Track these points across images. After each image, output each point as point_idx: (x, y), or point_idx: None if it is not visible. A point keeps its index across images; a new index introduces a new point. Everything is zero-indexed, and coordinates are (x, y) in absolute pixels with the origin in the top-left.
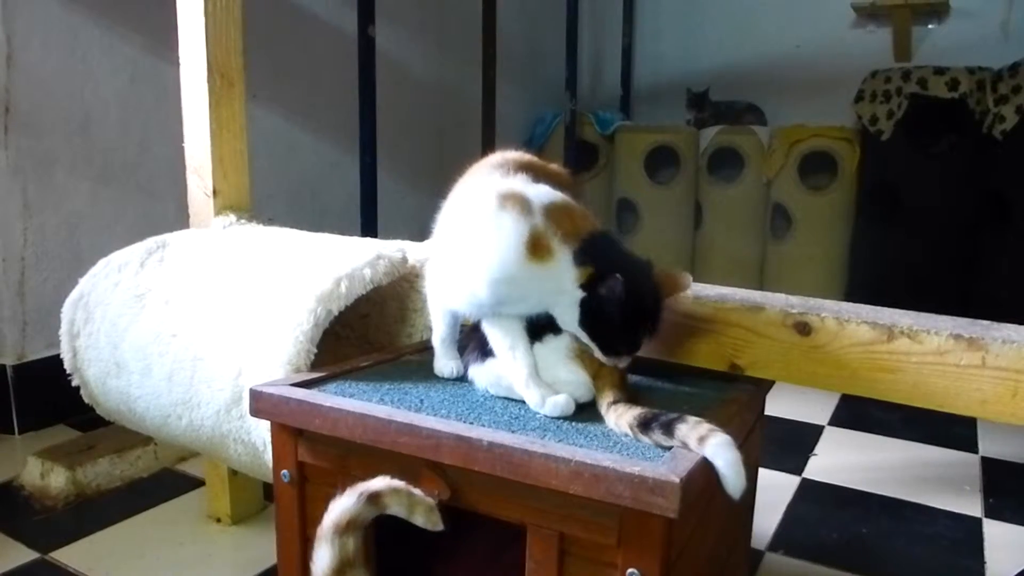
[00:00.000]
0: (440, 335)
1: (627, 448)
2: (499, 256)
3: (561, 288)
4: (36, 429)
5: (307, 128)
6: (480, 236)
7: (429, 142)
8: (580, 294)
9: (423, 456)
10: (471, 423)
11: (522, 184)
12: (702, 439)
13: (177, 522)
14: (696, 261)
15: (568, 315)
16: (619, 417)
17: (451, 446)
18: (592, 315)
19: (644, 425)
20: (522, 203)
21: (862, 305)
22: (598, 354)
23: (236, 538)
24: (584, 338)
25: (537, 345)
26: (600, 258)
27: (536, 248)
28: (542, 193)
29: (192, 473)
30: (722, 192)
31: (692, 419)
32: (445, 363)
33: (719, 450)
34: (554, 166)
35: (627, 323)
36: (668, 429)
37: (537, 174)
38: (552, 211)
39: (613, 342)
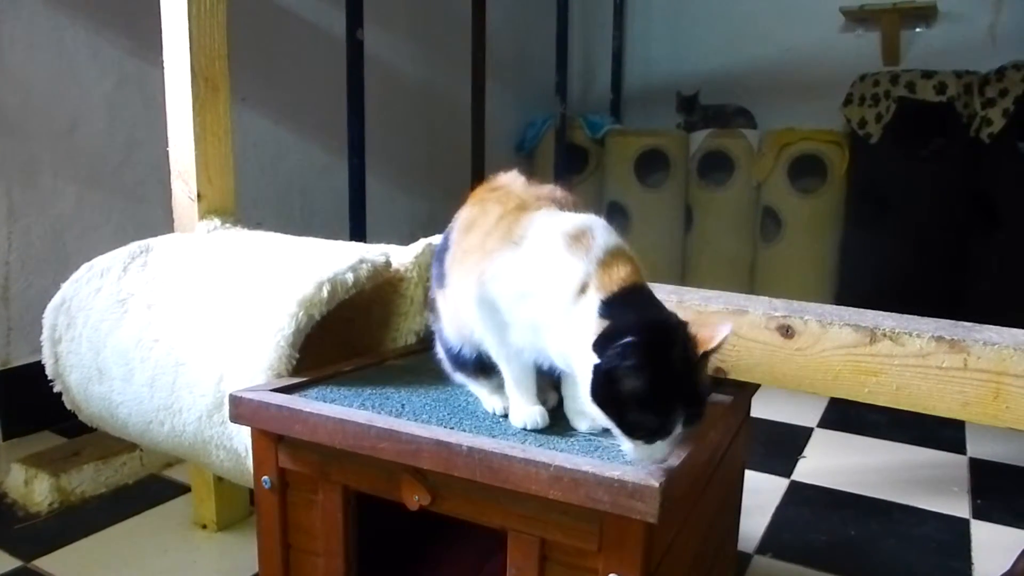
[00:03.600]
0: (513, 376)
1: (608, 452)
2: (550, 295)
3: (582, 343)
4: (20, 435)
5: (296, 131)
6: (539, 270)
7: (418, 145)
8: (592, 357)
9: (403, 462)
10: (452, 428)
11: (587, 222)
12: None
13: (162, 529)
14: (686, 264)
15: (582, 381)
16: None
17: (431, 451)
18: (602, 384)
19: None
20: (587, 245)
21: (845, 308)
22: (621, 439)
23: (222, 544)
24: (598, 415)
25: None
26: (620, 312)
27: (581, 293)
28: (607, 237)
29: (178, 479)
30: (712, 195)
31: None
32: (523, 409)
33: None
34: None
35: (648, 397)
36: None
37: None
38: (605, 260)
39: (635, 422)
